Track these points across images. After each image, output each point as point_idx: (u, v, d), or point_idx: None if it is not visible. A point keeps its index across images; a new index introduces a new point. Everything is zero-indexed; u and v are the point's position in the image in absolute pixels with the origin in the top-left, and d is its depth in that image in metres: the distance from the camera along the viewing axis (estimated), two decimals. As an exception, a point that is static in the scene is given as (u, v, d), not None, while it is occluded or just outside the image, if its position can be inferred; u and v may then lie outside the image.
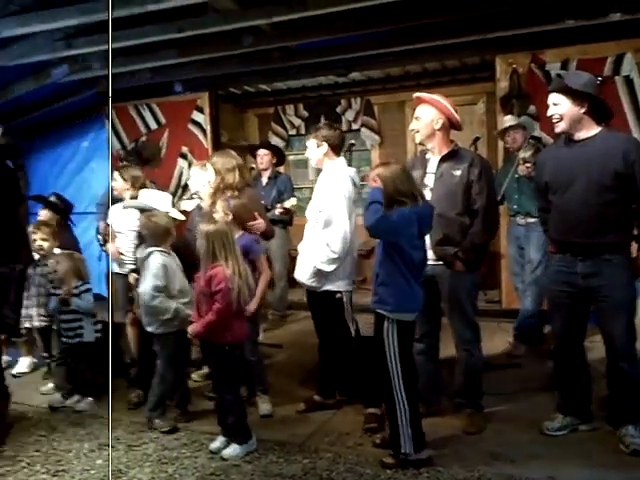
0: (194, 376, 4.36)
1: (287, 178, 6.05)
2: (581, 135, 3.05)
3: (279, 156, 6.10)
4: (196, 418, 3.71)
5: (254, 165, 6.21)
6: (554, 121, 3.07)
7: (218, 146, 6.45)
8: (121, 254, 4.27)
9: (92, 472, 3.08)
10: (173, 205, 4.26)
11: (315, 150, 3.62)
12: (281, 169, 6.65)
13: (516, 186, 4.55)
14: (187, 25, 4.60)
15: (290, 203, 5.56)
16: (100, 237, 5.06)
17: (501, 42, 5.24)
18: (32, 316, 4.33)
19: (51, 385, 4.26)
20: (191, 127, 6.68)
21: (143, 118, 6.89)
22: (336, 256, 3.45)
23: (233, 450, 3.18)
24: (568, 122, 3.03)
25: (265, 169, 5.90)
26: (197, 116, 6.65)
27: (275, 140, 7.81)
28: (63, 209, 4.97)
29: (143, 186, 4.31)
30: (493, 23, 4.90)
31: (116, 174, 4.44)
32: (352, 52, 5.55)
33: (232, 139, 7.62)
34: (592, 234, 2.99)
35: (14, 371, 4.74)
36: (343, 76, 6.70)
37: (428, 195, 3.30)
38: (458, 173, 3.28)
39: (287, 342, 5.24)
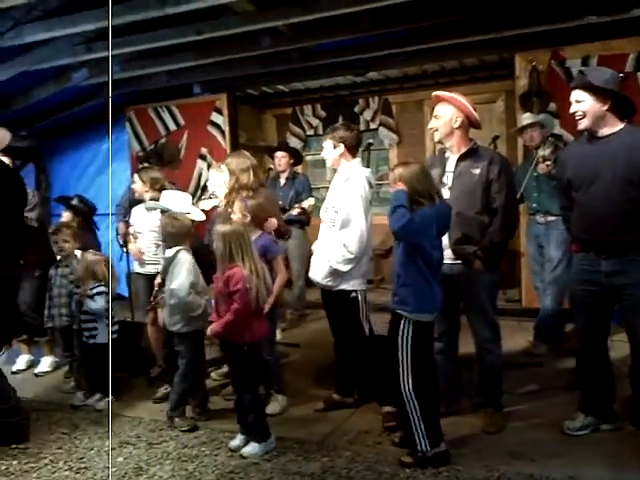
0: (213, 375, 4.40)
1: (305, 179, 6.07)
2: (604, 132, 3.00)
3: (296, 157, 6.13)
4: (215, 417, 3.74)
5: (272, 166, 6.25)
6: (577, 118, 3.03)
7: (237, 147, 6.48)
8: (142, 254, 4.32)
9: (113, 469, 3.11)
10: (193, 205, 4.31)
11: (332, 151, 3.63)
12: (299, 169, 6.68)
13: (535, 184, 4.51)
14: (205, 27, 4.63)
15: (308, 203, 5.57)
16: (120, 238, 5.11)
17: (520, 39, 5.20)
18: (54, 316, 4.38)
19: (72, 384, 4.31)
20: (210, 128, 6.73)
21: (162, 120, 6.95)
22: (352, 256, 3.46)
23: (252, 448, 3.20)
24: (591, 119, 2.99)
25: (283, 171, 5.93)
26: (216, 117, 6.69)
27: (293, 140, 7.84)
28: (84, 211, 5.04)
29: (163, 187, 4.35)
30: (512, 20, 4.86)
31: (136, 176, 4.50)
32: (369, 52, 5.55)
33: (250, 140, 7.67)
34: (616, 231, 2.94)
35: (37, 370, 4.82)
36: (361, 76, 6.70)
37: (447, 194, 3.29)
38: (477, 171, 3.26)
39: (305, 341, 5.25)
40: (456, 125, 3.31)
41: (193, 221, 3.92)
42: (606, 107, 2.95)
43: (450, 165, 3.39)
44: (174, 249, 3.64)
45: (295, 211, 5.57)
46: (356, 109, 7.60)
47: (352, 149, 3.64)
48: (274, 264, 3.64)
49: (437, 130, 3.38)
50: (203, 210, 4.42)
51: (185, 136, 6.87)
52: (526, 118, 4.77)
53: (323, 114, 7.82)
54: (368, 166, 4.20)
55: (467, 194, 3.26)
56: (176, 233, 3.66)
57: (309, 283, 5.97)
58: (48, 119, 6.49)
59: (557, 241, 4.45)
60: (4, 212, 3.44)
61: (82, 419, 3.83)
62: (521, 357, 4.50)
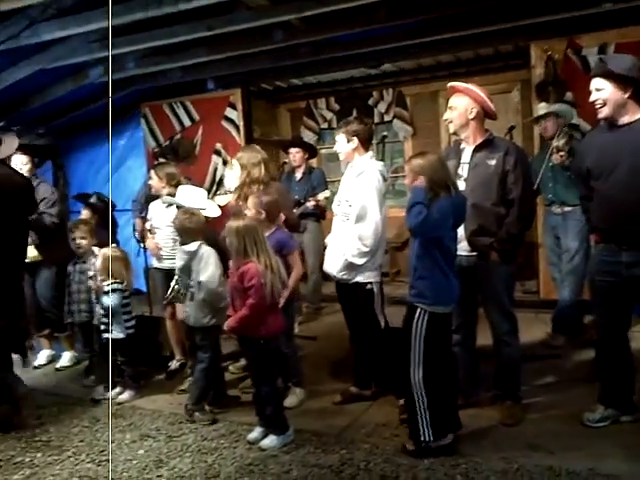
0: (231, 368, 4.44)
1: (321, 173, 6.07)
2: (625, 120, 2.95)
3: (311, 151, 6.13)
4: (234, 409, 3.77)
5: (287, 160, 6.25)
6: (597, 107, 2.99)
7: (251, 142, 6.48)
8: (160, 249, 4.36)
9: (134, 462, 3.16)
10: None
11: (345, 145, 3.63)
12: (313, 163, 6.68)
13: (551, 175, 4.46)
14: (219, 23, 4.64)
15: (324, 195, 5.58)
16: (137, 234, 5.16)
17: (536, 28, 5.14)
18: (73, 312, 4.44)
19: (93, 378, 4.37)
20: (224, 124, 6.74)
21: (177, 116, 6.98)
22: (368, 249, 3.47)
23: (271, 441, 3.22)
24: (612, 107, 2.94)
25: (299, 166, 5.94)
26: (230, 112, 6.70)
27: (307, 134, 7.84)
28: (102, 208, 5.09)
29: (179, 183, 4.38)
30: (527, 9, 4.81)
31: (152, 172, 4.53)
32: (383, 44, 5.51)
33: (265, 134, 7.68)
34: (637, 221, 2.90)
35: (57, 365, 4.89)
36: (374, 68, 6.67)
37: (462, 185, 3.28)
38: (493, 162, 3.24)
39: (321, 334, 5.26)
40: (471, 116, 3.29)
41: (207, 217, 3.95)
42: (627, 95, 2.90)
43: (466, 156, 3.37)
44: (196, 243, 3.66)
45: (310, 204, 5.59)
46: (370, 101, 7.57)
47: (365, 143, 3.64)
48: (290, 259, 3.65)
49: (452, 121, 3.36)
50: (219, 205, 4.44)
51: (200, 131, 6.90)
52: (541, 108, 4.72)
53: (337, 107, 7.80)
54: (383, 159, 4.20)
55: (483, 185, 3.25)
56: (194, 228, 3.69)
57: (325, 276, 6.01)
58: (65, 117, 6.55)
59: (574, 231, 4.41)
60: (8, 215, 3.54)
61: (103, 412, 3.87)
62: (539, 349, 4.48)
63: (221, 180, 6.59)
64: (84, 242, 4.41)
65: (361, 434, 3.31)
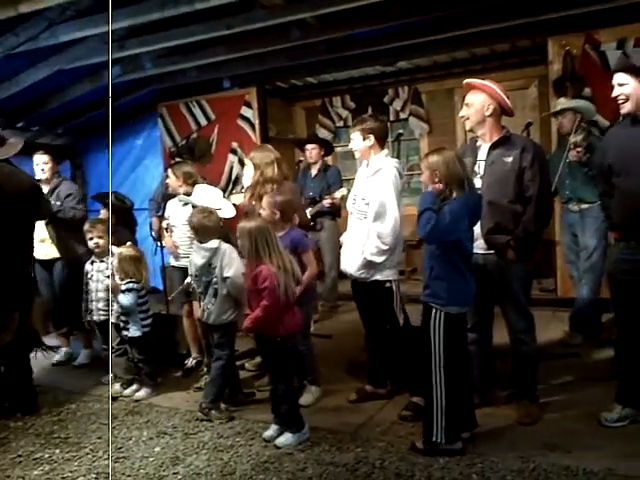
0: (247, 366, 4.47)
1: (336, 170, 6.07)
2: None
3: (327, 148, 6.13)
4: (250, 407, 3.79)
5: (302, 158, 6.26)
6: (619, 102, 2.94)
7: (267, 140, 6.50)
8: (177, 247, 4.39)
9: (150, 459, 3.19)
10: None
11: (361, 143, 3.61)
12: (329, 160, 6.67)
13: (568, 171, 4.41)
14: (235, 21, 4.65)
15: (340, 193, 5.58)
16: (154, 232, 5.20)
17: (553, 24, 5.08)
18: (91, 310, 4.49)
19: (110, 376, 4.41)
20: (240, 122, 6.76)
21: (193, 115, 7.02)
22: (387, 247, 3.45)
23: (286, 439, 3.23)
24: (634, 102, 2.89)
25: (315, 162, 5.94)
26: (246, 111, 6.72)
27: (322, 132, 7.83)
28: (120, 207, 5.13)
29: (196, 182, 4.41)
30: (544, 4, 4.76)
31: (169, 171, 4.57)
32: (398, 41, 5.50)
33: (280, 133, 7.69)
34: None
35: (76, 362, 4.94)
36: (390, 65, 6.65)
37: (479, 183, 3.25)
38: (510, 160, 3.21)
39: (337, 332, 5.26)
40: (488, 113, 3.26)
41: (221, 218, 3.98)
42: None
43: (482, 154, 3.34)
44: (215, 241, 3.68)
45: (326, 202, 5.59)
46: (385, 99, 7.55)
47: (381, 140, 3.62)
48: (305, 258, 3.64)
49: (468, 118, 3.33)
50: (234, 204, 4.46)
51: (216, 130, 6.92)
52: (561, 103, 4.65)
53: (352, 105, 7.79)
54: (398, 157, 4.20)
55: (499, 183, 3.22)
56: (213, 227, 3.71)
57: (341, 275, 6.00)
58: (83, 117, 6.62)
59: (592, 229, 4.36)
60: (9, 213, 3.65)
61: (120, 410, 3.92)
62: (556, 348, 4.44)
63: (237, 179, 6.62)
64: (101, 241, 4.45)
65: (376, 432, 3.31)
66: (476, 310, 3.29)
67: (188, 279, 4.01)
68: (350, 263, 3.63)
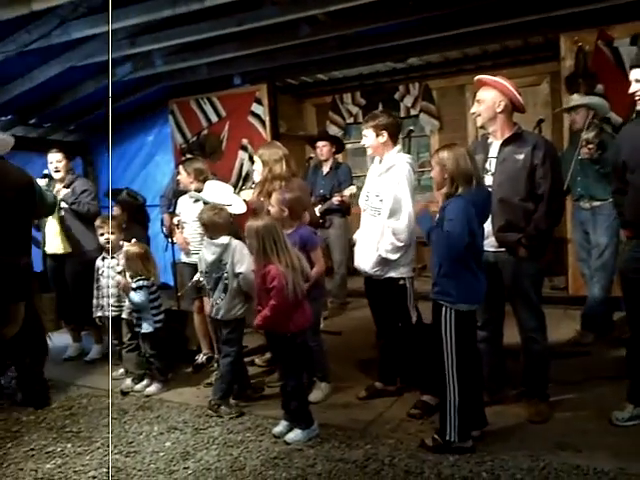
0: (257, 361, 4.49)
1: (347, 168, 6.06)
2: None
3: (338, 145, 6.13)
4: (260, 403, 3.80)
5: (312, 155, 6.25)
6: (636, 98, 2.92)
7: (277, 137, 6.50)
8: (188, 244, 4.41)
9: (161, 454, 3.21)
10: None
11: (374, 139, 3.59)
12: (339, 157, 6.67)
13: (580, 169, 4.37)
14: (246, 18, 4.65)
15: (350, 191, 5.57)
16: (165, 229, 5.22)
17: (565, 19, 5.04)
18: (102, 306, 4.52)
19: (122, 371, 4.45)
20: (250, 119, 6.76)
21: (204, 112, 7.02)
22: (402, 244, 3.45)
23: (295, 435, 3.24)
24: None
25: (326, 160, 5.93)
26: (256, 108, 6.72)
27: (333, 129, 7.83)
28: (132, 204, 5.16)
29: (207, 178, 4.43)
30: (556, 0, 4.71)
31: (181, 168, 4.59)
32: (409, 37, 5.47)
33: (290, 129, 7.69)
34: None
35: (87, 358, 4.98)
36: (400, 62, 6.63)
37: (490, 180, 3.24)
38: (521, 157, 3.19)
39: (347, 329, 5.27)
40: (499, 109, 3.24)
41: (231, 214, 3.98)
42: None
43: (493, 151, 3.32)
44: (226, 237, 3.69)
45: (335, 200, 5.58)
46: (396, 96, 7.53)
47: (394, 136, 3.60)
48: (313, 255, 3.63)
49: (480, 115, 3.32)
50: (244, 200, 4.47)
51: (226, 127, 6.93)
52: (574, 99, 4.61)
53: (363, 102, 7.78)
54: (409, 153, 4.17)
55: (511, 180, 3.20)
56: (223, 223, 3.73)
57: (350, 271, 6.00)
58: (94, 113, 6.65)
59: (603, 227, 4.33)
60: (15, 210, 3.76)
61: (131, 405, 3.95)
62: (568, 346, 4.41)
63: (247, 175, 6.63)
64: (112, 237, 4.48)
65: (386, 429, 3.31)
66: (486, 308, 3.28)
67: (197, 275, 4.03)
68: (364, 260, 3.61)
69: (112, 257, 4.44)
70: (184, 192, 4.56)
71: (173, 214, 4.71)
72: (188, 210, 4.44)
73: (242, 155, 6.85)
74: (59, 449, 3.35)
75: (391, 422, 3.40)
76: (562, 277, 5.76)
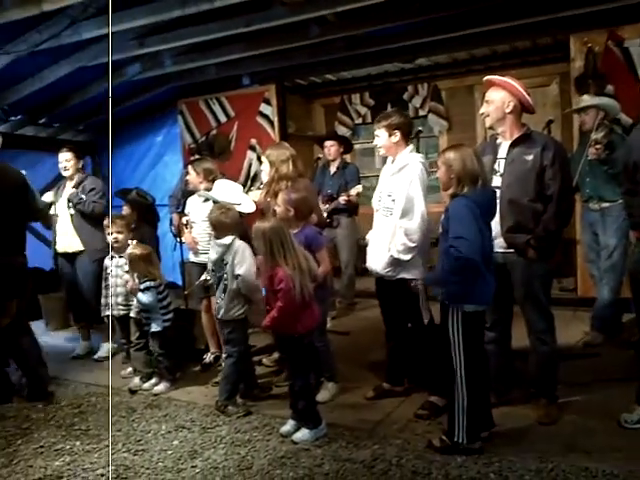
0: (265, 361, 4.49)
1: (355, 168, 6.05)
2: None
3: (346, 145, 6.13)
4: (267, 402, 3.81)
5: (320, 155, 6.26)
6: None
7: (285, 137, 6.52)
8: (196, 243, 4.43)
9: (169, 452, 3.22)
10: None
11: (387, 139, 3.56)
12: (348, 158, 6.67)
13: (589, 169, 4.35)
14: (254, 19, 4.67)
15: (356, 190, 5.57)
16: (174, 228, 5.24)
17: (575, 20, 5.03)
18: (110, 305, 4.55)
19: (130, 369, 4.47)
20: (259, 119, 6.77)
21: (213, 112, 7.04)
22: (414, 245, 3.42)
23: (303, 435, 3.25)
24: None
25: (333, 160, 5.93)
26: (265, 108, 6.73)
27: (341, 129, 7.83)
28: (141, 204, 5.18)
29: (216, 178, 4.44)
30: (566, 1, 4.70)
31: (190, 167, 4.60)
32: (418, 38, 5.47)
33: (299, 130, 7.70)
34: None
35: (96, 356, 5.01)
36: (409, 62, 6.62)
37: (498, 181, 3.23)
38: (530, 158, 3.18)
39: (355, 329, 5.27)
40: (508, 110, 3.24)
41: (241, 213, 3.99)
42: None
43: (502, 152, 3.31)
44: (229, 237, 3.70)
45: (342, 199, 5.58)
46: (405, 96, 7.53)
47: (406, 136, 3.59)
48: (318, 255, 3.61)
49: (489, 115, 3.31)
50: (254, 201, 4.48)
51: (235, 127, 6.94)
52: (584, 100, 4.59)
53: (371, 102, 7.78)
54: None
55: (520, 181, 3.19)
56: (229, 223, 3.73)
57: (358, 272, 6.00)
58: (104, 113, 6.68)
59: (612, 228, 4.31)
60: (11, 210, 3.90)
61: (139, 403, 3.96)
62: (577, 348, 4.39)
63: (256, 175, 6.64)
64: (121, 237, 4.50)
65: (393, 430, 3.31)
66: (495, 309, 3.26)
67: (204, 275, 4.05)
68: (376, 261, 3.59)
69: (120, 256, 4.47)
70: (193, 192, 4.58)
71: (182, 214, 4.73)
72: (197, 210, 4.46)
73: (251, 155, 6.86)
74: (68, 446, 3.37)
75: (399, 422, 3.39)
76: (571, 278, 5.73)
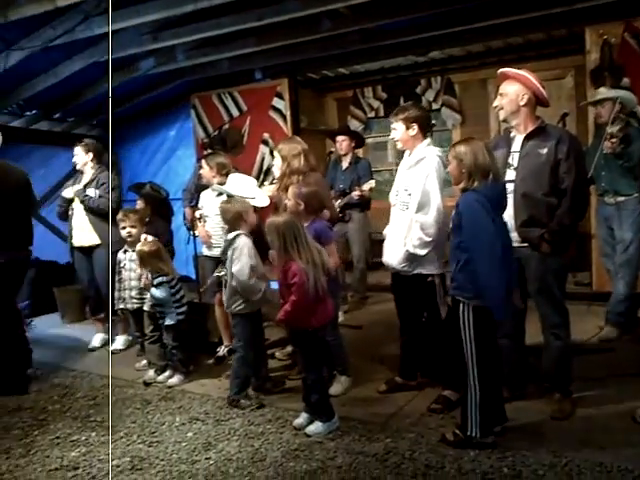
0: (278, 355, 4.51)
1: (367, 163, 6.04)
2: None
3: (358, 140, 6.11)
4: (280, 395, 3.83)
5: (332, 149, 6.25)
6: None
7: (298, 131, 6.52)
8: (210, 237, 4.45)
9: (183, 444, 3.25)
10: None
11: (404, 132, 3.52)
12: (360, 152, 6.65)
13: (604, 163, 4.30)
14: (266, 13, 4.66)
15: (369, 185, 5.55)
16: (187, 222, 5.27)
17: (591, 12, 4.97)
18: (125, 298, 4.58)
19: (144, 362, 4.50)
20: (272, 113, 6.77)
21: (226, 106, 7.06)
22: (430, 239, 3.39)
23: (316, 428, 3.26)
24: None
25: (345, 154, 5.92)
26: (277, 102, 6.73)
27: (354, 123, 7.82)
28: (155, 198, 5.21)
29: (229, 172, 4.45)
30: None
31: (203, 162, 4.62)
32: (431, 31, 5.43)
33: (311, 124, 7.70)
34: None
35: (111, 348, 5.05)
36: (422, 55, 6.58)
37: (512, 175, 3.21)
38: (544, 151, 3.15)
39: (367, 323, 5.27)
40: (522, 103, 3.21)
41: (255, 207, 3.99)
42: None
43: (516, 145, 3.29)
44: (233, 233, 3.71)
45: (355, 194, 5.57)
46: (418, 90, 7.50)
47: (424, 129, 3.55)
48: (327, 249, 3.56)
49: (502, 108, 3.28)
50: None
51: (248, 121, 6.95)
52: (601, 92, 4.52)
53: (384, 96, 7.75)
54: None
55: (534, 175, 3.16)
56: (234, 218, 3.73)
57: (369, 266, 6.00)
58: (118, 108, 6.72)
59: (628, 222, 4.27)
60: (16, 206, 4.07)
61: (154, 395, 4.00)
62: (591, 342, 4.36)
63: (268, 170, 6.65)
64: (134, 231, 4.53)
65: (406, 423, 3.31)
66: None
67: (218, 269, 4.06)
68: (392, 256, 3.56)
69: (134, 250, 4.49)
70: (206, 186, 4.59)
71: (195, 207, 4.75)
72: (210, 204, 4.48)
73: (263, 149, 6.87)
74: (84, 438, 3.41)
75: (412, 416, 3.40)
76: (586, 273, 5.69)
